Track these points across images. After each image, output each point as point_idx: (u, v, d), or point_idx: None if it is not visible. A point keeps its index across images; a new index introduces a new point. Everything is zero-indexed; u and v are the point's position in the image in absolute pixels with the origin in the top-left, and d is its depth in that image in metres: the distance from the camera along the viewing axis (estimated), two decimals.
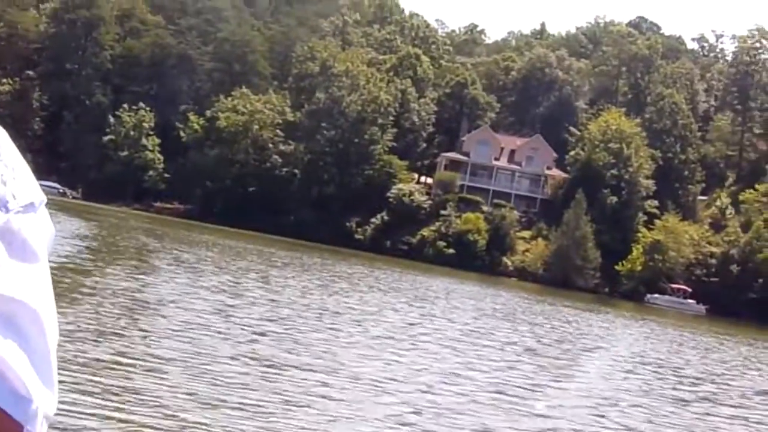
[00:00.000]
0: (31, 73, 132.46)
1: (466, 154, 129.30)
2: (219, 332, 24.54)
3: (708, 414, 25.67)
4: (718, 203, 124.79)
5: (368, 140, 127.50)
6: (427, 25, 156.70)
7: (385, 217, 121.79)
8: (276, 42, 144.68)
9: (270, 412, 16.09)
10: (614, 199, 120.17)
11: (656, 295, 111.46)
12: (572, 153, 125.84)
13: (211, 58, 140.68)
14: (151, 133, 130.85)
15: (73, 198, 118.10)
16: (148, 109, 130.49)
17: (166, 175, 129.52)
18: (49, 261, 1.37)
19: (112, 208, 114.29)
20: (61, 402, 2.09)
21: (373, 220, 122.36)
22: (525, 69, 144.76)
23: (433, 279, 78.22)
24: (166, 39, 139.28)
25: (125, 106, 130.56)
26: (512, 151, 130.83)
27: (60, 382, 1.38)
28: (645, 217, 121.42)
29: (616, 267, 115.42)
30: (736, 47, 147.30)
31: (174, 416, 14.63)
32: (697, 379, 34.66)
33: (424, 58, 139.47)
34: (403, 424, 17.25)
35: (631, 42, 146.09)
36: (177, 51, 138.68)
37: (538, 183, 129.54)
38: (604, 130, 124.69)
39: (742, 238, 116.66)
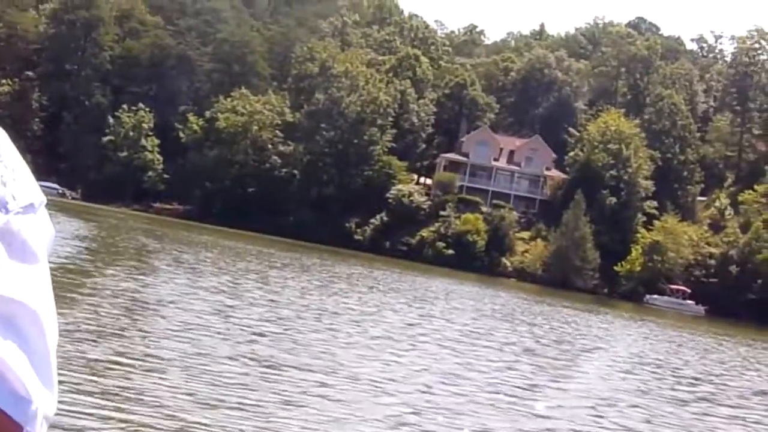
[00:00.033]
0: (30, 73, 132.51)
1: (466, 155, 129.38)
2: (218, 333, 24.59)
3: (706, 414, 25.72)
4: (717, 204, 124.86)
5: (367, 141, 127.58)
6: (427, 26, 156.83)
7: (385, 218, 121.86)
8: (275, 43, 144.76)
9: (269, 413, 16.14)
10: (613, 199, 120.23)
11: (655, 296, 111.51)
12: (571, 154, 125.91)
13: (211, 58, 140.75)
14: (151, 133, 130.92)
15: (73, 199, 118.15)
16: (147, 109, 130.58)
17: (166, 176, 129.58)
18: (49, 262, 1.37)
19: (111, 209, 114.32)
20: (60, 402, 2.06)
21: (372, 220, 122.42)
22: (524, 70, 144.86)
23: (433, 280, 78.27)
24: (166, 40, 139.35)
25: (124, 106, 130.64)
26: (511, 152, 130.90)
27: (60, 382, 1.39)
28: (644, 218, 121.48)
29: (615, 268, 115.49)
30: (735, 48, 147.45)
31: (173, 416, 14.68)
32: (696, 379, 34.71)
33: (423, 58, 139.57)
34: (402, 425, 17.30)
35: (630, 43, 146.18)
36: (176, 52, 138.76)
37: (537, 184, 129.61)
38: (604, 130, 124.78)
39: (741, 239, 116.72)
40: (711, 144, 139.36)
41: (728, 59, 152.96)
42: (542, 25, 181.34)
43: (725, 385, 34.25)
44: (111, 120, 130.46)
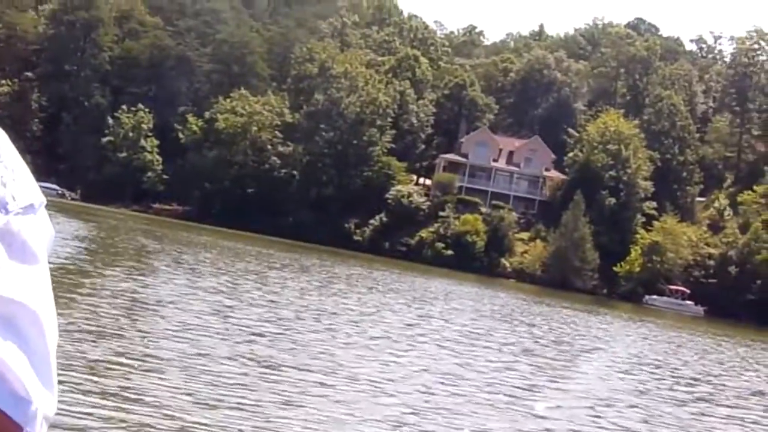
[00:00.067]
0: (29, 74, 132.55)
1: (465, 156, 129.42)
2: (217, 333, 24.64)
3: (704, 414, 25.77)
4: (716, 204, 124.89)
5: (367, 141, 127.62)
6: (426, 27, 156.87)
7: (384, 219, 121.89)
8: (275, 43, 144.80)
9: (268, 413, 16.18)
10: (613, 200, 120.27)
11: (654, 297, 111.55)
12: (571, 154, 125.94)
13: (210, 59, 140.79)
14: (150, 134, 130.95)
15: (72, 199, 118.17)
16: (146, 110, 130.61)
17: (165, 177, 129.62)
18: (49, 262, 1.37)
19: (110, 210, 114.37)
20: (60, 402, 2.05)
21: (371, 221, 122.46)
22: (523, 70, 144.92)
23: (432, 280, 78.32)
24: (165, 40, 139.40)
25: (124, 107, 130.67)
26: (511, 153, 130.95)
27: (59, 382, 1.39)
28: (643, 219, 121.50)
29: (615, 268, 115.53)
30: (734, 49, 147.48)
31: (173, 416, 14.72)
32: (694, 379, 34.76)
33: (422, 59, 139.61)
34: (402, 425, 17.34)
35: (630, 43, 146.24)
36: (176, 52, 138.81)
37: (536, 184, 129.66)
38: (603, 131, 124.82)
39: (740, 240, 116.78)
40: (710, 145, 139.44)
41: (727, 60, 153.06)
42: (541, 26, 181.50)
43: (724, 385, 34.31)
44: (110, 121, 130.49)
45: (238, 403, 16.42)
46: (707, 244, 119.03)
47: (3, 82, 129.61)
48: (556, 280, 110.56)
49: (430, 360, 27.00)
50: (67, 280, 29.61)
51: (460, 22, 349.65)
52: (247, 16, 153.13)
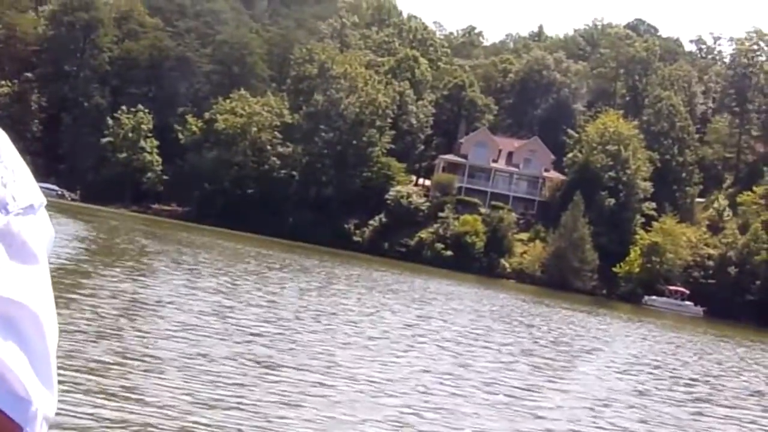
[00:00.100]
0: (29, 75, 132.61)
1: (464, 156, 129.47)
2: (217, 333, 24.69)
3: (703, 414, 25.83)
4: (715, 205, 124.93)
5: (366, 142, 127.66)
6: (425, 28, 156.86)
7: (383, 219, 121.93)
8: (274, 44, 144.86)
9: (268, 413, 16.24)
10: (612, 201, 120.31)
11: (654, 297, 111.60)
12: (570, 155, 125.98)
13: (210, 60, 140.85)
14: (150, 135, 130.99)
15: (72, 200, 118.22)
16: (146, 111, 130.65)
17: (165, 177, 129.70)
18: (49, 263, 1.37)
19: (110, 210, 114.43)
20: (60, 402, 2.13)
21: (371, 222, 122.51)
22: (523, 71, 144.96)
23: (431, 281, 78.35)
24: (165, 41, 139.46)
25: (124, 108, 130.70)
26: (510, 153, 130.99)
27: (59, 382, 1.38)
28: (642, 219, 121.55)
29: (614, 269, 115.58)
30: (733, 49, 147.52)
31: (173, 416, 14.77)
32: (693, 380, 34.81)
33: (422, 60, 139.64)
34: (401, 425, 17.39)
35: (629, 44, 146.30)
36: (175, 53, 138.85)
37: (535, 185, 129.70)
38: (602, 132, 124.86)
39: (739, 240, 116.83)
40: (710, 145, 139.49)
41: (727, 61, 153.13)
42: (541, 27, 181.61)
43: (722, 385, 34.36)
44: (110, 121, 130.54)
45: (238, 403, 16.47)
46: (707, 245, 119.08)
47: (3, 82, 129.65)
48: (555, 280, 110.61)
49: (430, 360, 27.06)
50: (66, 281, 29.67)
51: (460, 22, 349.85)
52: (247, 17, 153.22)
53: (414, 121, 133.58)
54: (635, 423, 22.29)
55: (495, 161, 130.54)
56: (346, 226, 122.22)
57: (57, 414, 1.35)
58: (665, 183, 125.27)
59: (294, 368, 21.15)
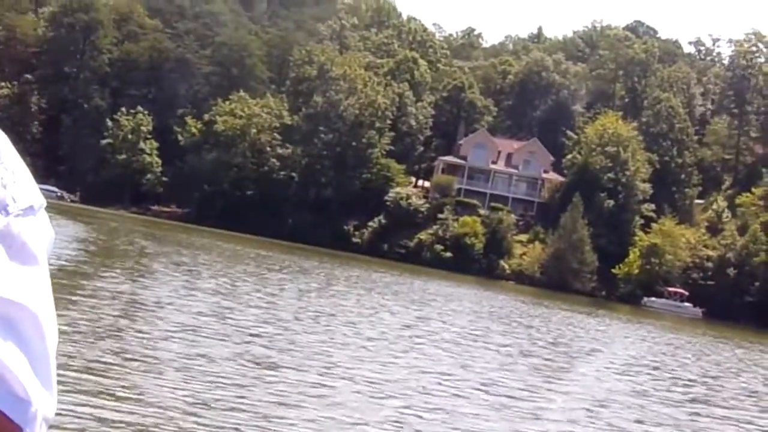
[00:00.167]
0: (29, 76, 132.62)
1: (464, 158, 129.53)
2: (216, 334, 24.75)
3: (700, 415, 25.90)
4: (714, 207, 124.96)
5: (366, 144, 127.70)
6: (425, 29, 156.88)
7: (383, 221, 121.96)
8: (273, 46, 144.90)
9: (267, 413, 16.30)
10: (611, 202, 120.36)
11: (653, 299, 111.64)
12: (569, 156, 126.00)
13: (209, 61, 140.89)
14: (149, 136, 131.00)
15: (72, 201, 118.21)
16: (146, 112, 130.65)
17: (164, 179, 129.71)
18: (49, 264, 1.38)
19: (109, 212, 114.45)
20: (60, 403, 2.15)
21: (370, 223, 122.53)
22: (522, 73, 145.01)
23: (431, 282, 78.39)
24: (164, 43, 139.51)
25: (123, 109, 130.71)
26: (509, 155, 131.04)
27: (59, 383, 1.39)
28: (642, 221, 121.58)
29: (613, 270, 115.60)
30: (732, 51, 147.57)
31: (172, 416, 14.83)
32: (692, 381, 34.87)
33: (421, 61, 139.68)
34: (400, 425, 17.45)
35: (628, 46, 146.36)
36: (175, 55, 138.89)
37: (535, 186, 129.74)
38: (601, 133, 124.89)
39: (738, 242, 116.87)
40: (708, 147, 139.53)
41: (726, 62, 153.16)
42: (540, 29, 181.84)
43: (721, 386, 34.42)
44: (110, 123, 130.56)
45: (237, 404, 16.53)
46: (705, 246, 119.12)
47: (3, 84, 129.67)
48: (554, 281, 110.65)
49: (429, 361, 27.11)
50: (66, 282, 29.72)
51: (459, 24, 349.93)
52: (246, 19, 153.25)
53: (413, 123, 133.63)
54: (633, 423, 22.36)
55: (494, 163, 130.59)
56: (345, 227, 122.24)
57: (57, 414, 1.35)
58: (664, 184, 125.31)
59: (293, 369, 21.21)
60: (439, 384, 22.89)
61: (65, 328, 19.99)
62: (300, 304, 37.89)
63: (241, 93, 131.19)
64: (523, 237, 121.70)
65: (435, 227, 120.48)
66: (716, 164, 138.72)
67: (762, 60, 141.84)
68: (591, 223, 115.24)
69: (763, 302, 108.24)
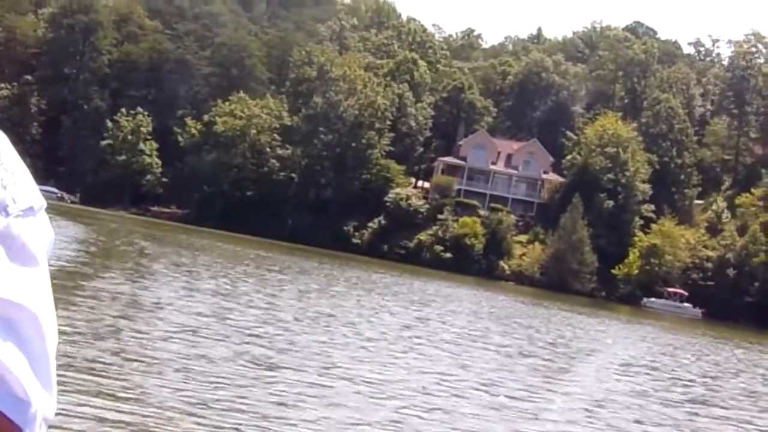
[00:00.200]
0: (29, 77, 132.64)
1: (463, 159, 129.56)
2: (216, 334, 24.77)
3: (699, 415, 25.92)
4: (714, 207, 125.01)
5: (365, 144, 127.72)
6: (424, 30, 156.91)
7: (383, 222, 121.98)
8: (273, 46, 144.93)
9: (266, 413, 16.32)
10: (611, 203, 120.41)
11: (653, 299, 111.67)
12: (569, 157, 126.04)
13: (209, 62, 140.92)
14: (149, 137, 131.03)
15: (71, 202, 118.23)
16: (145, 113, 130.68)
17: (164, 180, 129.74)
18: (48, 265, 1.38)
19: (109, 213, 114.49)
20: (59, 403, 2.16)
21: (370, 224, 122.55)
22: (522, 73, 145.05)
23: (430, 283, 78.41)
24: (164, 44, 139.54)
25: (123, 110, 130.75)
26: (509, 156, 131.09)
27: (59, 383, 1.39)
28: (641, 221, 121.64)
29: (613, 271, 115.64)
30: (732, 52, 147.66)
31: (172, 417, 14.85)
32: (691, 381, 34.90)
33: (421, 62, 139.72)
34: (399, 426, 17.47)
35: (628, 47, 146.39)
36: (175, 56, 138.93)
37: (534, 187, 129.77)
38: (601, 134, 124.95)
39: (738, 242, 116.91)
40: (708, 147, 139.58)
41: (725, 63, 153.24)
42: (540, 29, 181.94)
43: (720, 387, 34.45)
44: (109, 124, 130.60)
45: (237, 404, 16.56)
46: (705, 247, 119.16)
47: (2, 85, 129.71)
48: (554, 282, 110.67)
49: (428, 362, 27.14)
50: (66, 283, 29.74)
51: (459, 25, 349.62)
52: (246, 20, 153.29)
53: (413, 124, 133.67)
54: (633, 424, 22.38)
55: (494, 163, 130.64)
56: (345, 228, 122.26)
57: (56, 414, 1.35)
58: (664, 185, 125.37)
59: (293, 369, 21.23)
60: (439, 384, 22.92)
61: (65, 328, 20.01)
62: (300, 304, 37.92)
63: (241, 94, 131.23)
64: (523, 238, 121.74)
65: (435, 228, 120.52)
66: (716, 165, 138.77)
67: (761, 61, 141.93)
68: (591, 223, 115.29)
69: (763, 303, 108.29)
